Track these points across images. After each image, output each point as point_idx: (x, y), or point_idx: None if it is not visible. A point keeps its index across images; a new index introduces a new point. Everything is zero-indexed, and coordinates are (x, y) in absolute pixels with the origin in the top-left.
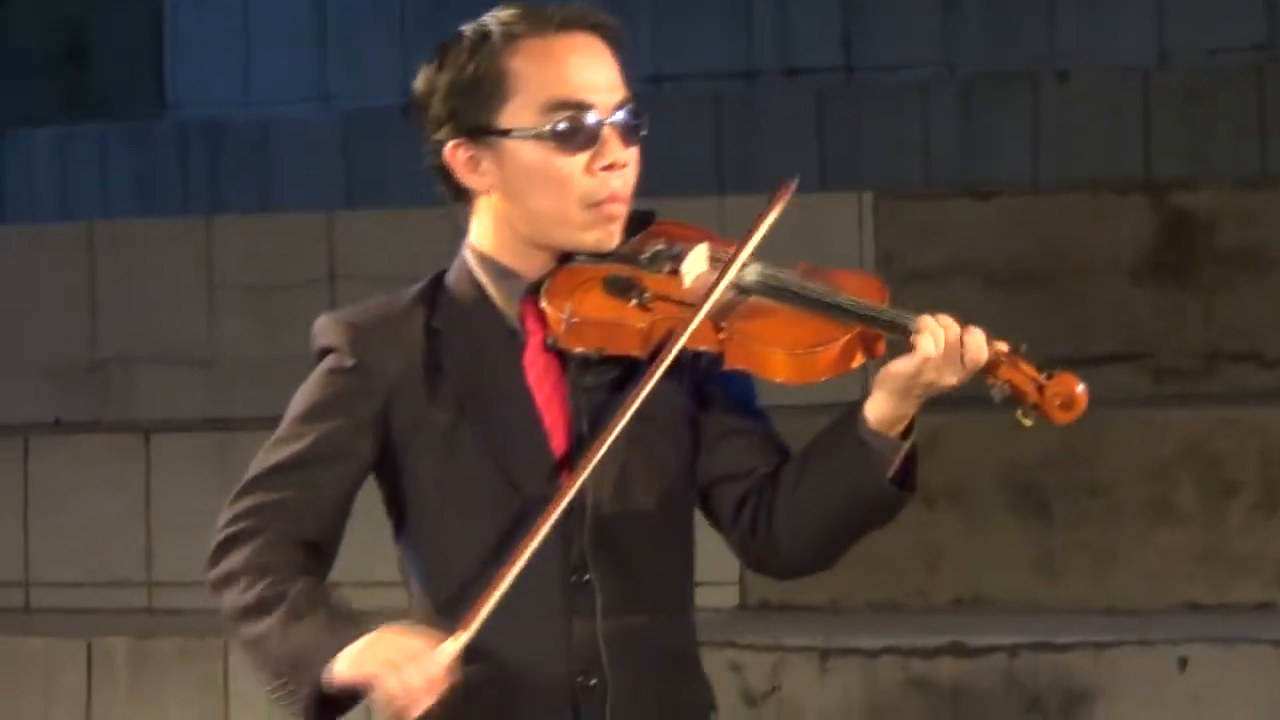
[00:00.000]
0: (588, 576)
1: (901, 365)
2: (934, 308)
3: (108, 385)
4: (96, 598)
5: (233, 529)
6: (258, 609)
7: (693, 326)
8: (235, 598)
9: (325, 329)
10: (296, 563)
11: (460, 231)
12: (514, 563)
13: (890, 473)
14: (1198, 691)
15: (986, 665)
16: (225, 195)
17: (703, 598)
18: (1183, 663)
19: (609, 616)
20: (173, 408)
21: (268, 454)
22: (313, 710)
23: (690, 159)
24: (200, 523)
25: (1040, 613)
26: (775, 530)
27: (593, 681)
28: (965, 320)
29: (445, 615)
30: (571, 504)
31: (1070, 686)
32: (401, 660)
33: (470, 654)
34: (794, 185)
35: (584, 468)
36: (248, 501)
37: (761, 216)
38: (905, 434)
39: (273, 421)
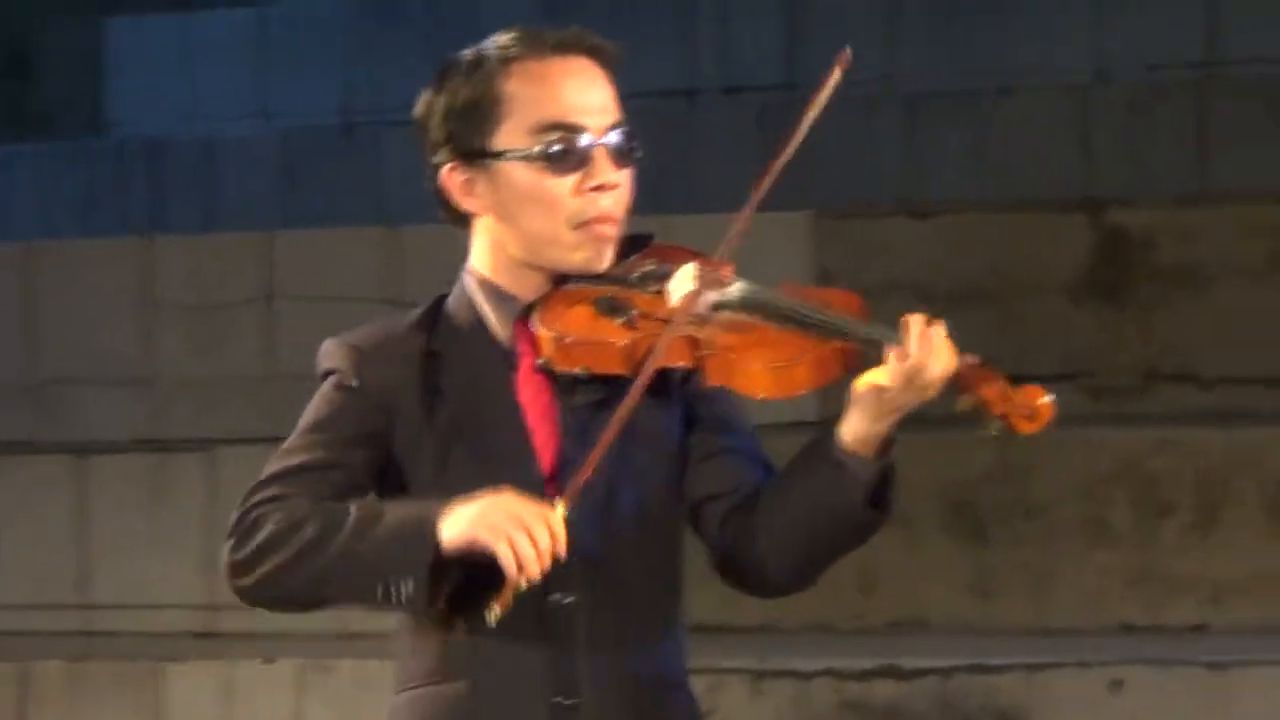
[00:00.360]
0: (570, 598)
1: (873, 381)
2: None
3: (45, 405)
4: (31, 620)
5: (254, 513)
6: (324, 535)
7: (665, 339)
8: (291, 546)
9: (329, 353)
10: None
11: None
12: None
13: (864, 494)
14: (1132, 713)
15: (921, 688)
16: (166, 214)
17: None
18: (1117, 685)
19: (590, 637)
20: (110, 428)
21: (277, 461)
22: (426, 582)
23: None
24: (137, 544)
25: (975, 634)
26: (757, 549)
27: (570, 701)
28: None
29: (432, 627)
30: None
31: (1004, 709)
32: (524, 517)
33: (448, 671)
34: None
35: (573, 489)
36: (263, 493)
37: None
38: (882, 453)
39: (210, 443)
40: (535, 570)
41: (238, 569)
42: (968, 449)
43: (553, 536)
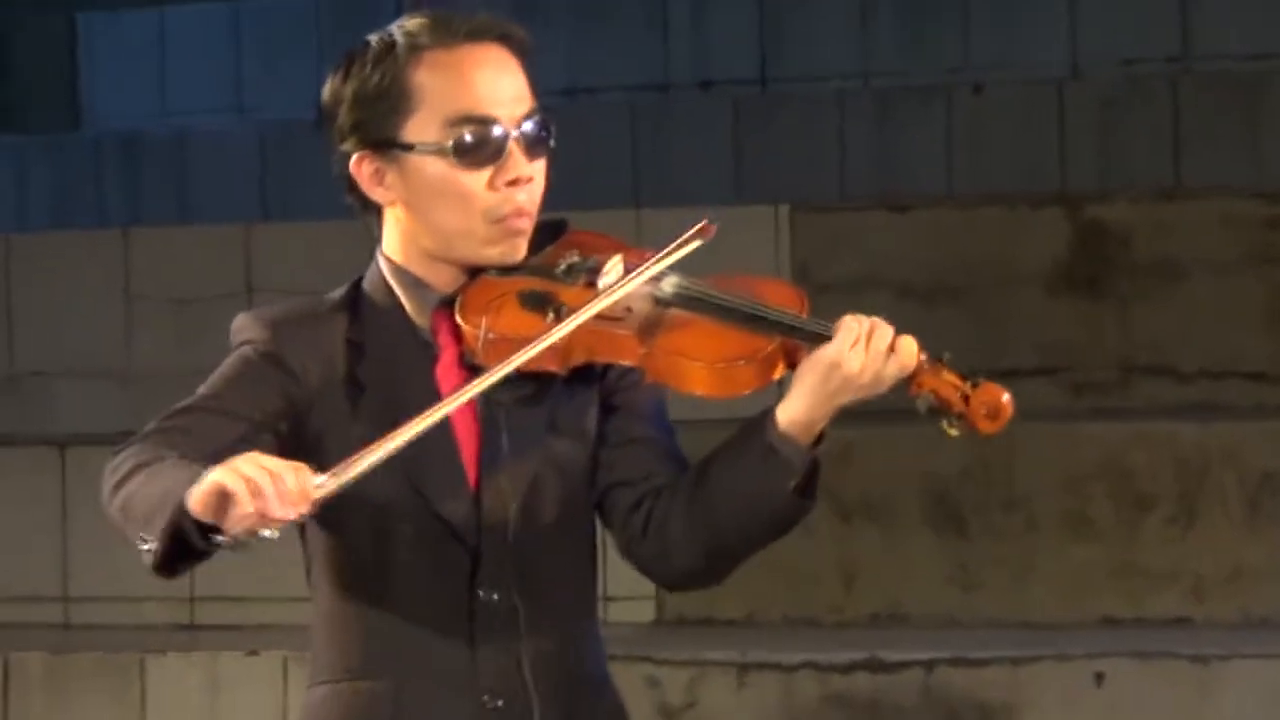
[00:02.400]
0: (496, 594)
1: (818, 354)
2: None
3: (23, 398)
4: (11, 612)
5: (122, 465)
6: (129, 475)
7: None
8: (118, 474)
9: (245, 325)
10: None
11: (375, 241)
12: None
13: (794, 481)
14: (1114, 706)
15: (903, 680)
16: (142, 207)
17: (619, 612)
18: (1099, 677)
19: (516, 634)
20: (89, 420)
21: (172, 407)
22: (167, 547)
23: (605, 171)
24: (118, 537)
25: (957, 627)
26: (668, 535)
27: (499, 703)
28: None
29: (352, 620)
30: (479, 519)
31: (987, 701)
32: (266, 467)
33: (369, 668)
34: (713, 230)
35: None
36: (139, 439)
37: (673, 246)
38: (814, 444)
39: None
40: (270, 507)
41: (104, 500)
42: (948, 442)
43: (301, 492)
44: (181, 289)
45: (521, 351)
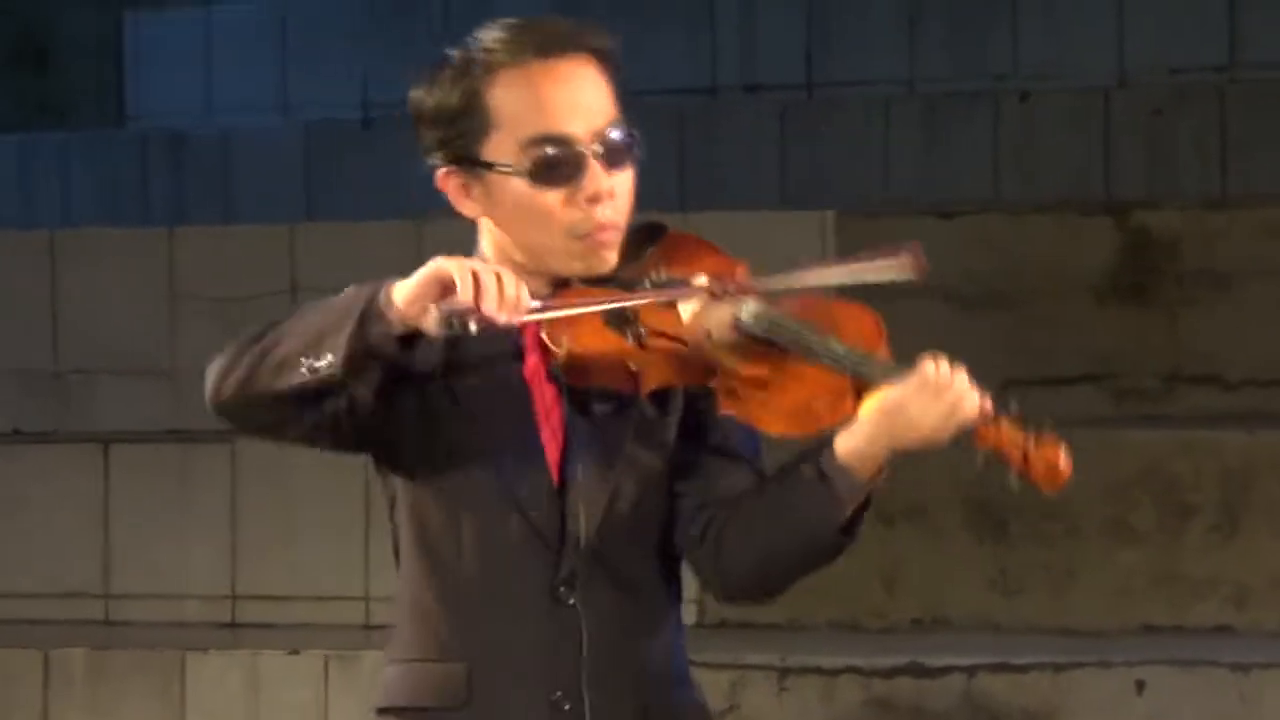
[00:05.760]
0: (572, 600)
1: (886, 394)
2: (895, 326)
3: (67, 395)
4: (53, 609)
5: (240, 342)
6: (254, 340)
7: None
8: (243, 353)
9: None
10: None
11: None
12: None
13: (842, 515)
14: (1155, 713)
15: (945, 685)
16: (186, 205)
17: None
18: (1140, 685)
19: (592, 638)
20: (132, 418)
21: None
22: (355, 349)
23: (652, 174)
24: (159, 534)
25: (998, 633)
26: (723, 547)
27: (568, 706)
28: (942, 348)
29: (433, 606)
30: (562, 522)
31: (1028, 708)
32: (490, 267)
33: (447, 652)
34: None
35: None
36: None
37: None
38: (872, 477)
39: (233, 434)
40: (493, 305)
41: (213, 384)
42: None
43: (518, 300)
44: (225, 288)
45: (614, 299)
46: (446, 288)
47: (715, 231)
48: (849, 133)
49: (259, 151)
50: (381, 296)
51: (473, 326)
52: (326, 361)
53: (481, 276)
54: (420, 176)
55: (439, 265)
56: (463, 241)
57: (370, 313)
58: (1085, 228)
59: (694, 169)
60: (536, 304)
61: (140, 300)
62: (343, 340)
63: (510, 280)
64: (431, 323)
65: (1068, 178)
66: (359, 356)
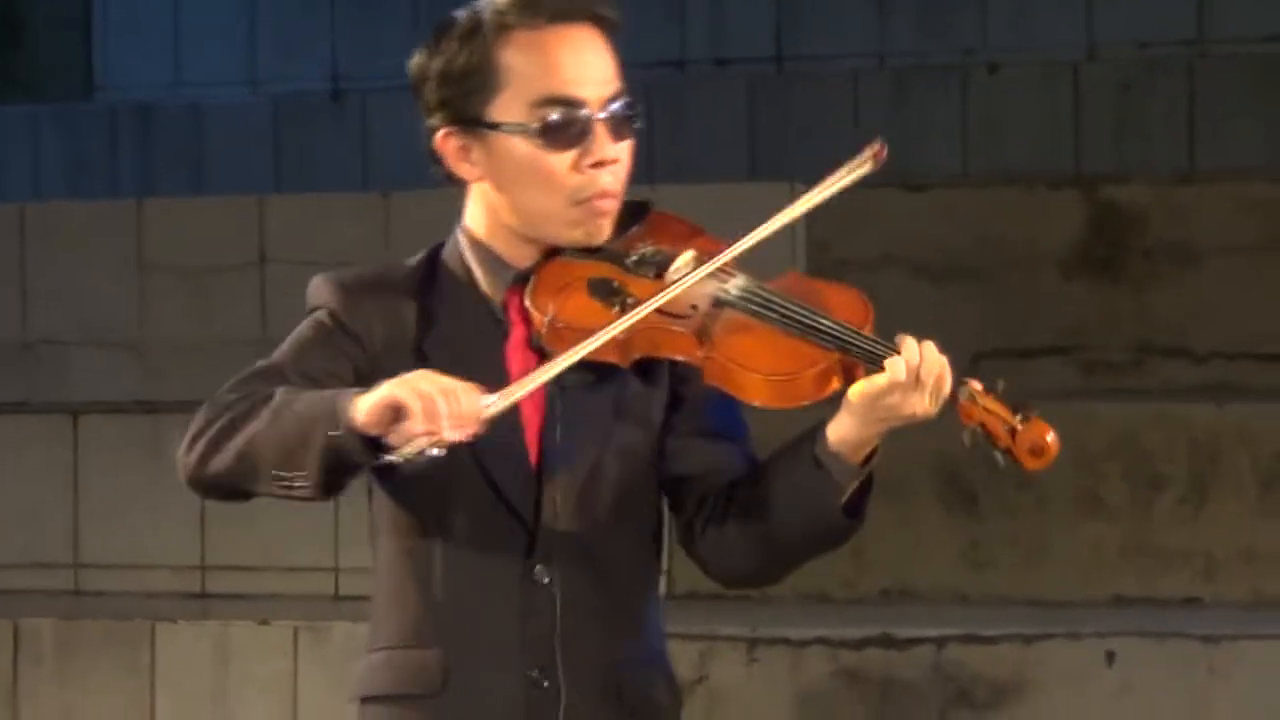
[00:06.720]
0: (551, 575)
1: (867, 385)
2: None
3: (37, 366)
4: (23, 579)
5: (204, 410)
6: (242, 417)
7: (600, 340)
8: (219, 423)
9: (317, 288)
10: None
11: (448, 218)
12: None
13: (842, 500)
14: (1125, 684)
15: (914, 656)
16: (156, 178)
17: None
18: (1110, 656)
19: (569, 615)
20: (102, 389)
21: (247, 370)
22: (326, 466)
23: None
24: (129, 505)
25: (968, 604)
26: (724, 535)
27: (545, 683)
28: (911, 320)
29: (410, 590)
30: (538, 500)
31: (997, 679)
32: (441, 385)
33: (422, 637)
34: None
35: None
36: (221, 399)
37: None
38: (865, 461)
39: (202, 405)
40: (442, 426)
41: (184, 455)
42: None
43: (474, 414)
44: (195, 259)
45: (583, 344)
46: (400, 413)
47: (682, 204)
48: (817, 106)
49: (228, 124)
50: (344, 419)
51: (433, 452)
52: (299, 481)
53: (433, 399)
54: (388, 150)
55: (392, 392)
56: (428, 214)
57: (344, 429)
58: (1054, 201)
59: (663, 142)
60: (491, 399)
61: (109, 272)
62: (310, 460)
63: (463, 394)
64: (394, 455)
65: (1036, 151)
66: (330, 472)
